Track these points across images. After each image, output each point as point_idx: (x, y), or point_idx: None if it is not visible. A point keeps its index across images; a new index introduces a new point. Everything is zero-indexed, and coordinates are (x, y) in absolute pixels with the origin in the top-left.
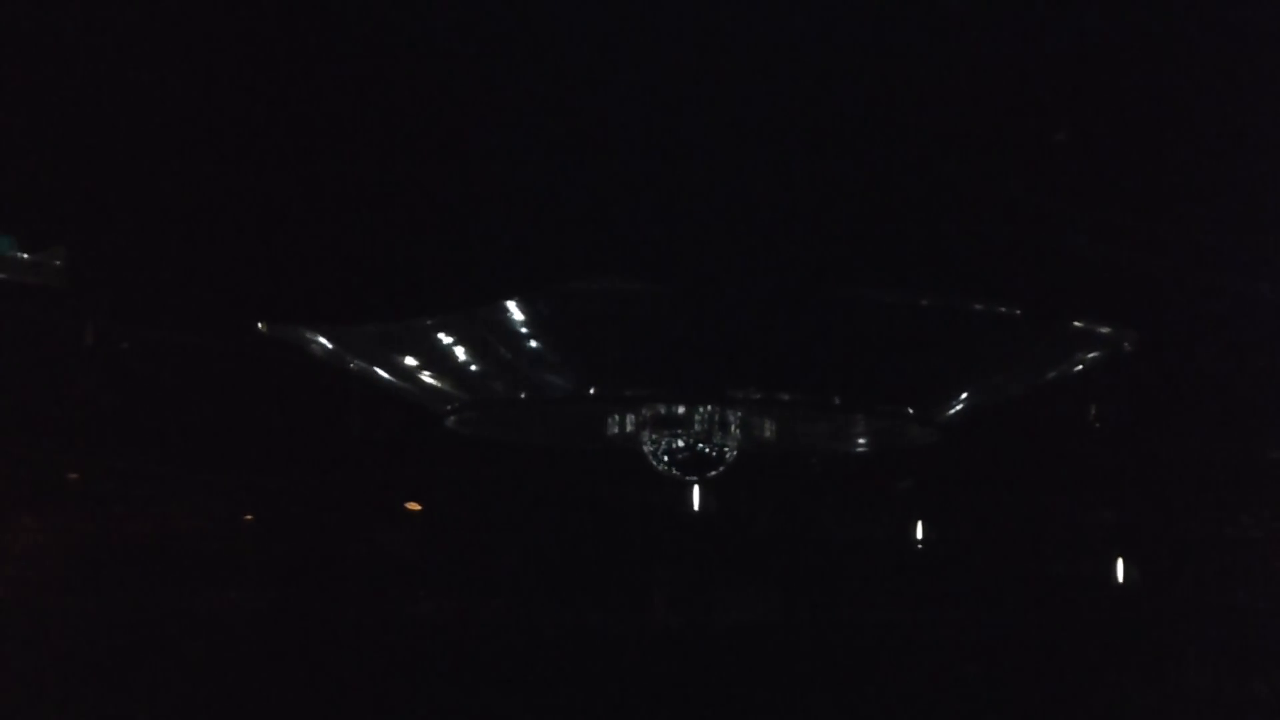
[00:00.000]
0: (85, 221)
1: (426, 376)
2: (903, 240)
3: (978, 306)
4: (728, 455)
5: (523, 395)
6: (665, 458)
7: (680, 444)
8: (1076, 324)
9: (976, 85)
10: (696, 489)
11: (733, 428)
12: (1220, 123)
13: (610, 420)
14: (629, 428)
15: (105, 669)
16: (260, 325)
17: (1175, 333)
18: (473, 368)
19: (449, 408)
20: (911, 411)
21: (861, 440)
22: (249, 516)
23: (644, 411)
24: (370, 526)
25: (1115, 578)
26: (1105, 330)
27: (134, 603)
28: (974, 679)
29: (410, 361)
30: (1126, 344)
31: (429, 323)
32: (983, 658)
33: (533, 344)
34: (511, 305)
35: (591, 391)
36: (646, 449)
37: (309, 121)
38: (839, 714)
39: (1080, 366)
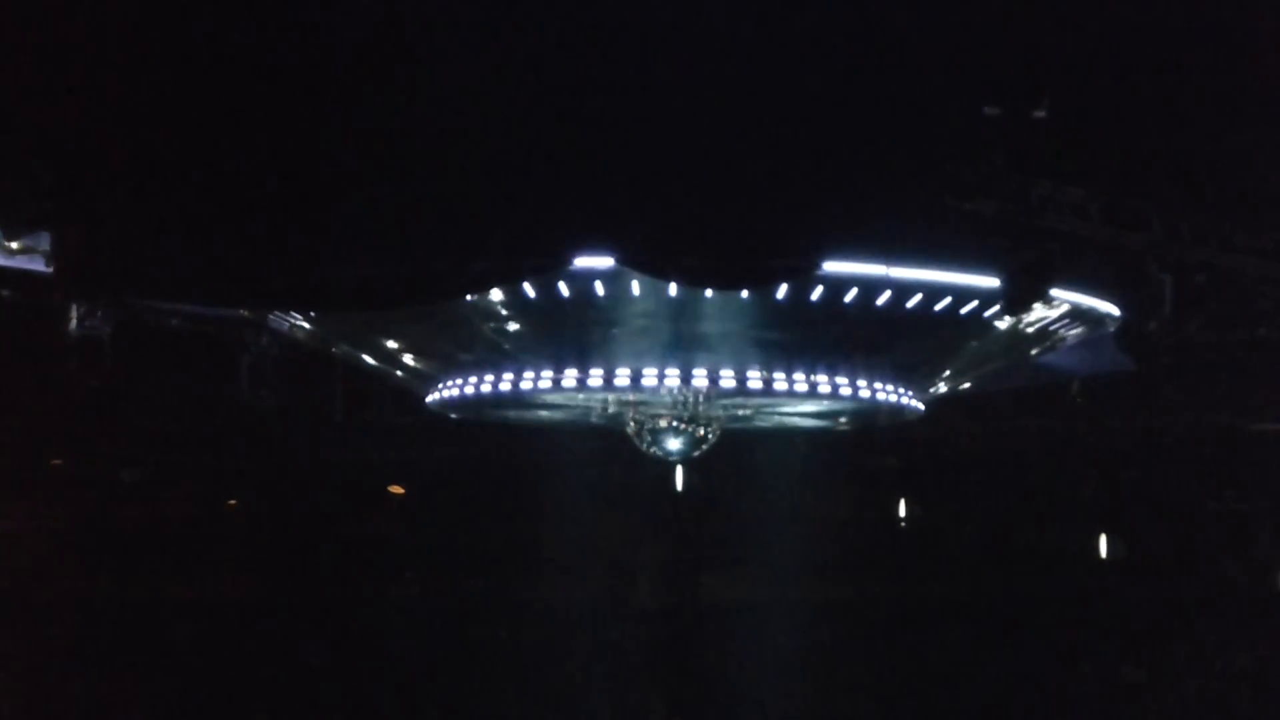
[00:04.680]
0: (69, 211)
1: (410, 360)
2: (888, 220)
3: (962, 283)
4: (710, 436)
5: (509, 378)
6: (650, 438)
7: (664, 424)
8: (1060, 298)
9: (958, 64)
10: (680, 469)
11: (716, 409)
12: (1205, 104)
13: (596, 402)
14: (614, 409)
15: (95, 653)
16: (244, 311)
17: (1158, 307)
18: (456, 351)
19: (433, 390)
20: (899, 390)
21: (844, 419)
22: (232, 501)
23: (629, 393)
24: (355, 510)
25: (1100, 551)
26: (1089, 305)
27: (122, 587)
28: (962, 653)
29: (394, 345)
30: (1109, 319)
31: (414, 308)
32: (971, 631)
33: (518, 327)
34: (496, 291)
35: (577, 373)
36: (630, 430)
37: (292, 113)
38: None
39: (1064, 341)
